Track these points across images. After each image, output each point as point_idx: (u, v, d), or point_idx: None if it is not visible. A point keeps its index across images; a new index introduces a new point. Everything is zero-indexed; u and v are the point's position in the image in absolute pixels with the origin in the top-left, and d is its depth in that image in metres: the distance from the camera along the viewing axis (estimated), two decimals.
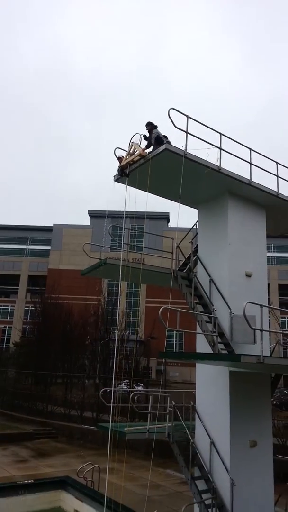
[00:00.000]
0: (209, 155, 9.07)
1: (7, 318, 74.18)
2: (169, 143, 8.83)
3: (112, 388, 10.16)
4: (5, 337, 65.64)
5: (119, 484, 10.19)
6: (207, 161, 8.93)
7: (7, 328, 66.89)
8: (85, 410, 22.77)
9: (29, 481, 12.53)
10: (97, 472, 11.71)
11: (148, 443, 14.11)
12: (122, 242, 10.09)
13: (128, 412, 11.24)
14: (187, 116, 8.83)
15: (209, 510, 7.87)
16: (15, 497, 11.65)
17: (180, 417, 8.89)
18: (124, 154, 9.62)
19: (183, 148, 8.64)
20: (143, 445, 15.90)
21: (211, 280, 9.64)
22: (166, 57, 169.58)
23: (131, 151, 9.38)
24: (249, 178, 9.73)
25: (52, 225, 76.72)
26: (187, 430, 8.63)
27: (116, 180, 9.75)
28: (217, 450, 8.45)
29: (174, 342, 59.64)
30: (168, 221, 73.80)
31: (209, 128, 9.26)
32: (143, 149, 9.13)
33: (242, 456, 8.51)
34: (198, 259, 10.25)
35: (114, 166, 10.01)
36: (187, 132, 8.82)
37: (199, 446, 8.83)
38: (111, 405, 9.27)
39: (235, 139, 9.81)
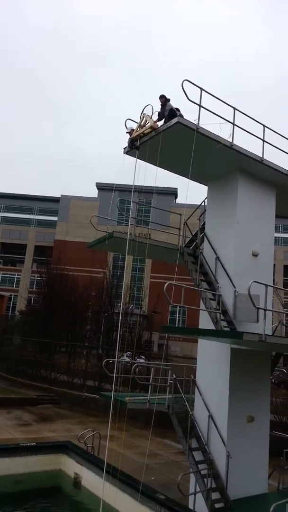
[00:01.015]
0: (222, 130, 8.89)
1: (13, 286, 75.19)
2: (181, 116, 8.65)
3: (115, 359, 10.36)
4: (11, 305, 66.67)
5: (119, 451, 10.55)
6: (219, 136, 8.75)
7: (13, 296, 67.83)
8: (88, 379, 23.35)
9: (32, 444, 13.00)
10: (98, 439, 12.11)
11: (148, 414, 14.50)
12: (130, 216, 10.06)
13: (129, 383, 11.52)
14: (201, 89, 8.60)
15: (205, 480, 8.16)
16: (18, 458, 12.12)
17: (180, 390, 9.09)
18: (135, 126, 9.44)
19: (196, 122, 8.46)
20: (143, 415, 16.36)
21: (217, 258, 9.63)
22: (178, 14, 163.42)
23: (142, 123, 9.20)
24: (261, 156, 9.55)
25: (59, 196, 76.43)
26: (186, 403, 8.85)
27: (126, 152, 9.61)
28: (215, 423, 8.68)
29: (177, 317, 60.29)
30: (176, 197, 73.13)
31: (222, 102, 9.03)
32: (155, 122, 8.95)
33: (239, 430, 8.75)
34: (205, 236, 10.22)
35: (120, 136, 9.87)
36: (200, 105, 8.62)
37: (198, 418, 9.07)
38: (114, 375, 9.47)
39: (248, 115, 9.57)
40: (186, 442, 8.58)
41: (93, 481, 11.04)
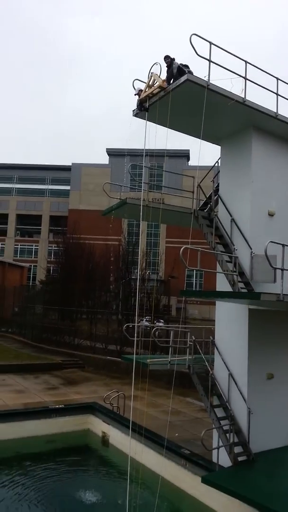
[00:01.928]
0: (233, 86, 8.52)
1: (31, 257, 76.44)
2: (190, 73, 8.29)
3: (135, 324, 10.58)
4: (31, 275, 68.01)
5: (143, 410, 10.97)
6: (231, 92, 8.40)
7: (32, 266, 69.08)
8: (109, 343, 24.03)
9: (60, 406, 13.64)
10: (122, 399, 12.61)
11: (169, 374, 14.91)
12: (142, 182, 9.92)
13: (149, 346, 11.81)
14: (210, 43, 8.19)
15: (227, 435, 8.46)
16: (48, 419, 12.80)
17: (200, 351, 9.28)
18: (143, 87, 9.12)
19: (206, 79, 8.12)
20: (164, 375, 16.85)
21: (233, 220, 9.51)
22: None
23: (150, 83, 8.87)
24: (275, 111, 9.17)
25: (70, 164, 75.73)
26: (206, 363, 9.04)
27: (135, 115, 9.35)
28: (235, 381, 8.90)
29: (194, 281, 60.60)
30: (188, 159, 71.52)
31: (233, 56, 8.60)
32: (163, 80, 8.62)
33: (259, 387, 8.95)
34: (219, 198, 10.05)
35: (126, 96, 9.58)
36: (210, 61, 8.24)
37: (218, 377, 9.30)
38: (134, 339, 9.70)
39: (260, 68, 9.11)
40: (208, 400, 8.85)
41: (119, 439, 11.62)
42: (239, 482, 7.66)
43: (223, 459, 8.33)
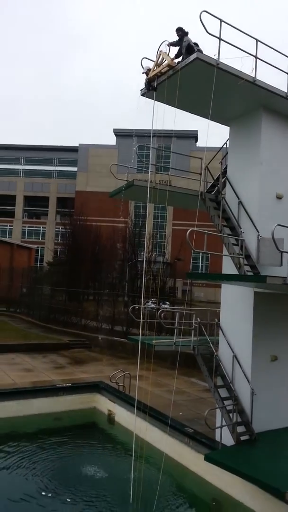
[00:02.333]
0: (244, 65, 8.34)
1: (39, 238, 76.76)
2: (200, 51, 8.11)
3: (141, 306, 10.70)
4: (39, 257, 68.44)
5: (148, 389, 11.18)
6: (241, 71, 8.23)
7: (39, 248, 69.43)
8: (116, 324, 24.30)
9: (67, 384, 13.93)
10: (128, 378, 12.83)
11: (174, 355, 15.09)
12: (150, 163, 9.85)
13: (155, 327, 11.94)
14: (221, 20, 7.98)
15: (230, 414, 8.62)
16: (55, 397, 13.09)
17: (205, 332, 9.37)
18: (151, 65, 8.96)
19: (215, 57, 7.95)
20: (169, 356, 17.08)
21: (240, 202, 9.45)
22: None
23: (159, 61, 8.71)
24: (286, 91, 8.98)
25: (77, 145, 75.11)
26: (211, 344, 9.14)
27: (143, 94, 9.20)
28: (239, 362, 9.00)
29: (200, 264, 60.58)
30: (196, 140, 70.50)
31: (243, 33, 8.38)
32: (172, 59, 8.45)
33: (263, 369, 9.06)
34: (227, 180, 9.96)
35: (134, 78, 9.42)
36: (220, 39, 8.05)
37: (222, 358, 9.41)
38: (140, 320, 9.82)
39: (272, 46, 8.88)
40: (212, 380, 8.98)
41: (125, 417, 11.88)
42: (241, 461, 7.83)
43: (225, 438, 8.51)
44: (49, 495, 7.85)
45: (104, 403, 13.36)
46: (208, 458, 7.86)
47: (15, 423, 11.75)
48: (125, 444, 10.54)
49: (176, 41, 8.53)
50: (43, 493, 7.90)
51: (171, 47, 8.55)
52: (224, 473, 7.79)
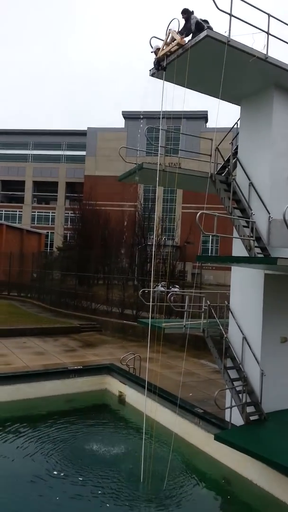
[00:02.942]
0: (255, 42, 8.11)
1: (49, 224, 77.06)
2: (210, 28, 7.90)
3: (151, 289, 10.72)
4: (49, 242, 68.83)
5: (158, 371, 11.30)
6: (252, 48, 8.01)
7: (49, 233, 69.77)
8: (125, 308, 24.48)
9: (79, 367, 14.15)
10: (138, 361, 12.98)
11: (184, 338, 15.19)
12: (159, 146, 9.73)
13: (164, 311, 12.00)
14: None
15: (240, 395, 8.69)
16: (67, 379, 13.31)
17: (215, 315, 9.39)
18: (160, 44, 8.76)
19: (226, 34, 7.73)
20: (179, 339, 17.20)
21: (251, 184, 9.32)
22: None
23: (168, 40, 8.51)
24: None
25: (86, 128, 74.51)
26: (221, 326, 9.17)
27: (152, 74, 9.04)
28: (249, 344, 9.03)
29: (210, 247, 60.36)
30: (206, 120, 69.43)
31: (255, 8, 8.12)
32: (182, 37, 8.25)
33: (273, 350, 9.08)
34: (238, 162, 9.81)
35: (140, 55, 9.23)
36: (230, 15, 7.82)
37: (232, 341, 9.44)
38: (150, 303, 9.86)
39: (285, 22, 8.61)
40: (222, 362, 9.04)
41: (135, 398, 12.06)
42: (251, 440, 7.93)
43: (235, 418, 8.61)
44: (61, 474, 8.02)
45: (115, 385, 13.56)
46: (218, 438, 7.97)
47: (27, 405, 12.01)
48: (135, 424, 10.72)
49: (183, 26, 8.28)
50: (55, 473, 8.07)
51: (179, 26, 8.32)
52: (234, 452, 7.90)
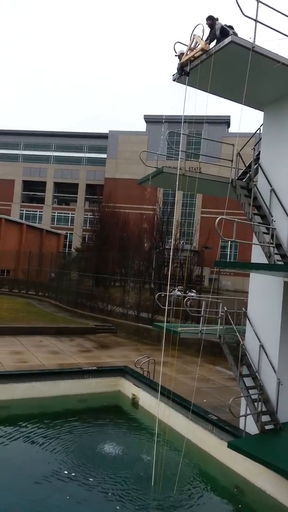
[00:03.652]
0: (280, 48, 8.05)
1: (68, 224, 77.87)
2: (235, 34, 7.89)
3: (167, 293, 10.70)
4: (67, 243, 69.52)
5: (172, 375, 11.27)
6: (277, 54, 7.96)
7: (68, 234, 70.47)
8: (141, 311, 24.50)
9: (93, 367, 14.23)
10: (152, 364, 12.96)
11: (199, 343, 15.08)
12: (180, 150, 9.74)
13: (180, 315, 11.95)
14: (258, 0, 7.71)
15: (255, 403, 8.58)
16: (81, 380, 13.40)
17: (232, 321, 9.31)
18: (184, 49, 8.79)
19: (251, 40, 7.71)
20: (194, 344, 17.10)
21: (272, 190, 9.23)
22: None
23: (192, 46, 8.54)
24: None
25: (107, 131, 75.12)
26: (237, 333, 9.08)
27: (175, 79, 9.07)
28: (266, 352, 8.91)
29: (228, 252, 59.85)
30: (228, 126, 69.08)
31: (280, 14, 8.07)
32: (206, 43, 8.26)
33: None
34: (259, 167, 9.73)
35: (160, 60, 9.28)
36: (256, 20, 7.79)
37: (248, 348, 9.34)
38: (166, 307, 9.84)
39: None
40: (237, 369, 8.95)
41: (148, 401, 12.04)
42: (265, 449, 7.81)
43: (250, 426, 8.50)
44: (72, 474, 8.06)
45: (128, 387, 13.57)
46: (231, 446, 7.88)
47: (42, 403, 12.14)
48: (148, 427, 10.70)
49: (209, 33, 8.28)
50: (65, 472, 8.11)
51: (204, 32, 8.33)
52: (247, 461, 7.80)
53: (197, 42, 8.43)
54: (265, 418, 8.55)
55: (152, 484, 7.76)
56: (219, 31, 8.08)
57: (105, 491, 7.59)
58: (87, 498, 7.41)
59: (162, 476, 7.77)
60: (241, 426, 8.86)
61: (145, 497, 7.52)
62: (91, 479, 7.93)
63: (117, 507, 7.14)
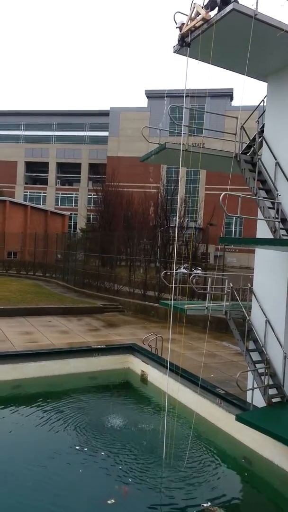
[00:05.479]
0: (284, 15, 7.75)
1: (72, 205, 77.72)
2: (236, 1, 7.59)
3: (173, 271, 10.73)
4: (72, 223, 69.55)
5: (179, 352, 11.41)
6: (280, 22, 7.67)
7: (73, 215, 70.40)
8: (148, 289, 24.66)
9: (102, 346, 14.44)
10: (160, 341, 13.13)
11: (206, 320, 15.20)
12: (183, 125, 9.55)
13: (186, 292, 12.01)
14: None
15: (262, 377, 8.69)
16: (91, 358, 13.63)
17: (238, 297, 9.34)
18: (185, 20, 8.49)
19: (253, 7, 7.42)
20: (201, 321, 17.26)
21: (277, 163, 9.07)
22: None
23: (193, 15, 8.24)
24: None
25: (108, 108, 73.85)
26: (243, 309, 9.12)
27: (176, 51, 8.81)
28: (272, 327, 8.96)
29: (233, 229, 59.52)
30: (231, 98, 67.55)
31: None
32: (207, 12, 7.96)
33: None
34: (264, 141, 9.54)
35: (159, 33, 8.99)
36: None
37: (255, 323, 9.40)
38: (172, 285, 9.88)
39: None
40: (244, 344, 9.03)
41: (157, 377, 12.25)
42: (273, 421, 7.96)
43: (257, 399, 8.63)
44: (85, 449, 8.28)
45: (137, 364, 13.79)
46: (239, 418, 8.04)
47: (53, 381, 12.40)
48: (157, 403, 10.92)
49: (210, 1, 7.96)
50: (77, 448, 8.32)
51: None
52: (255, 433, 7.96)
53: (197, 11, 8.13)
54: (272, 391, 8.67)
55: (163, 455, 7.97)
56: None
57: (117, 464, 7.82)
58: (99, 472, 7.63)
59: (172, 449, 7.97)
60: (249, 400, 9.00)
61: (156, 469, 7.74)
62: (103, 453, 8.16)
63: (129, 479, 7.36)
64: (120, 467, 7.71)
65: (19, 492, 6.98)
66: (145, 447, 8.54)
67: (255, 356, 9.09)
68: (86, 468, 7.68)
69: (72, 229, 67.67)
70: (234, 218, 7.80)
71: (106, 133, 75.17)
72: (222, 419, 9.56)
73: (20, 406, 10.50)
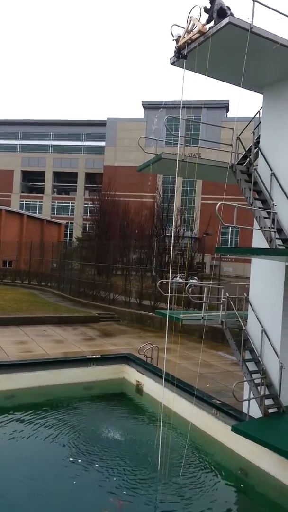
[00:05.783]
0: (279, 28, 7.89)
1: (68, 214, 77.74)
2: (232, 15, 7.72)
3: (169, 280, 10.72)
4: (68, 232, 69.50)
5: (175, 362, 11.35)
6: (276, 35, 7.80)
7: (69, 223, 70.41)
8: (143, 299, 24.59)
9: (97, 355, 14.33)
10: (156, 351, 13.05)
11: (201, 329, 15.15)
12: (179, 135, 9.63)
13: (182, 302, 12.01)
14: None
15: (258, 387, 8.65)
16: (86, 367, 13.51)
17: (234, 307, 9.33)
18: (181, 32, 8.61)
19: (249, 21, 7.55)
20: (196, 330, 17.21)
21: (273, 174, 9.15)
22: None
23: (189, 28, 8.36)
24: None
25: (105, 119, 74.41)
26: (239, 319, 9.11)
27: (173, 63, 8.92)
28: (268, 337, 8.95)
29: (229, 238, 59.76)
30: (227, 110, 68.30)
31: None
32: (203, 25, 8.09)
33: None
34: (259, 151, 9.64)
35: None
36: (254, 0, 7.61)
37: (251, 333, 9.38)
38: (168, 294, 9.86)
39: None
40: (240, 354, 9.00)
41: (153, 388, 12.15)
42: (269, 432, 7.91)
43: (253, 410, 8.58)
44: (79, 461, 8.16)
45: (132, 374, 13.69)
46: (235, 429, 7.97)
47: (47, 391, 12.26)
48: (152, 413, 10.83)
49: (209, 7, 8.11)
50: (71, 459, 8.20)
51: (202, 13, 8.16)
52: (251, 444, 7.89)
53: (194, 24, 8.26)
54: (268, 401, 8.62)
55: (158, 467, 7.87)
56: (216, 12, 7.90)
57: (111, 476, 7.71)
58: (93, 484, 7.52)
59: (167, 460, 7.88)
60: (245, 410, 8.95)
61: (151, 480, 7.63)
62: (97, 465, 8.04)
63: (124, 492, 7.25)
64: (115, 479, 7.60)
65: (12, 504, 6.85)
66: (140, 458, 8.43)
67: (251, 366, 9.06)
68: (80, 480, 7.57)
69: (68, 238, 67.58)
70: (230, 227, 7.84)
71: (102, 143, 75.65)
72: (218, 430, 9.48)
73: (13, 416, 10.36)
